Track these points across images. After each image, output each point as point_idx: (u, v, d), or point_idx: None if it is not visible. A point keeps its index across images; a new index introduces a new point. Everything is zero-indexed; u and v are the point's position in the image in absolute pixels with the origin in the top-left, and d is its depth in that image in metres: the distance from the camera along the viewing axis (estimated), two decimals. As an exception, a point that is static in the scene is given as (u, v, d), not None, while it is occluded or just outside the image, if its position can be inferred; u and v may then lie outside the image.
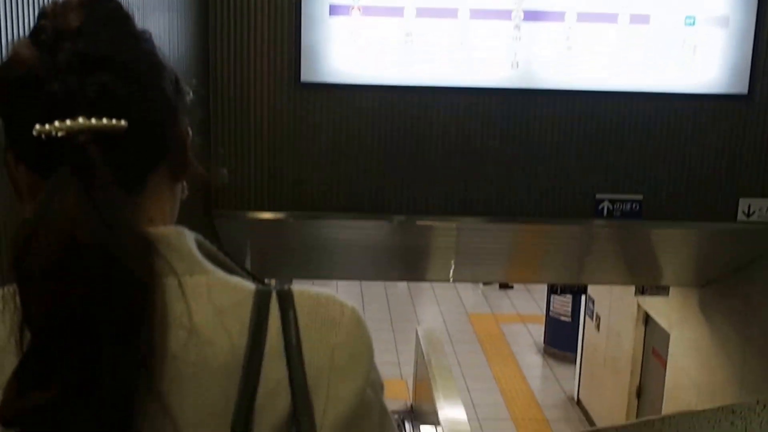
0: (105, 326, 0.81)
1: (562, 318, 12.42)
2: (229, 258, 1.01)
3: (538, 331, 13.28)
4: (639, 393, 9.39)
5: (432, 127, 5.30)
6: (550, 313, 12.61)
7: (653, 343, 8.99)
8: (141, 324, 0.83)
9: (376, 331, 13.65)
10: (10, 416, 0.81)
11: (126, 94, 0.87)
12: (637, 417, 9.41)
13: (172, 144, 0.95)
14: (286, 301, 0.93)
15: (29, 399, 0.80)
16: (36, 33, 0.88)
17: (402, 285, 15.66)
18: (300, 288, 0.96)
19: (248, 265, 6.31)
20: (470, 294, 15.35)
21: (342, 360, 0.92)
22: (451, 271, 7.12)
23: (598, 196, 5.48)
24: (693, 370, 7.69)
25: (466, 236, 6.09)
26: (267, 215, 5.44)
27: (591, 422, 10.71)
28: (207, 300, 0.91)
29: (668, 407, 8.28)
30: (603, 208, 5.49)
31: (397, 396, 10.78)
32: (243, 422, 0.88)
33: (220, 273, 0.95)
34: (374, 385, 0.97)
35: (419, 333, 10.46)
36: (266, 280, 1.02)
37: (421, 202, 5.47)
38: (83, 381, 0.81)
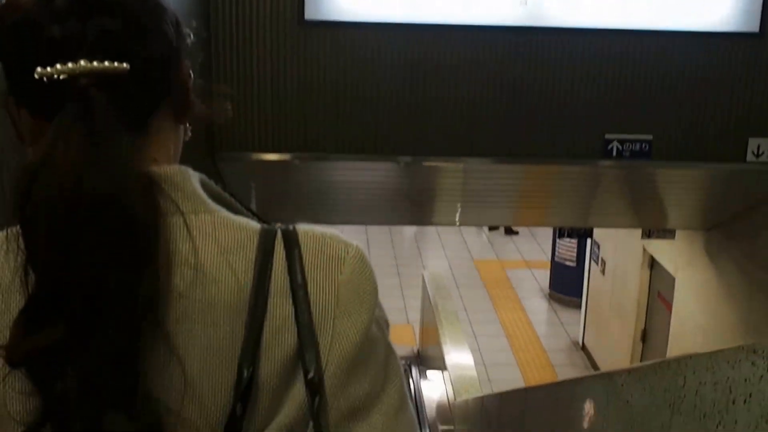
0: (110, 267, 0.81)
1: (568, 263, 12.44)
2: (234, 198, 1.01)
3: (544, 276, 13.31)
4: (644, 337, 9.44)
5: (439, 66, 5.22)
6: (556, 258, 12.62)
7: (659, 287, 9.01)
8: (146, 264, 0.84)
9: (382, 276, 13.55)
10: (17, 357, 0.82)
11: (127, 36, 0.87)
12: (641, 361, 9.48)
13: (174, 85, 0.96)
14: (291, 239, 0.94)
15: (36, 339, 0.81)
16: None
17: (408, 231, 15.68)
18: (305, 227, 0.96)
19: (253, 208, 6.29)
20: (476, 240, 15.37)
21: (347, 297, 0.93)
22: (458, 214, 7.10)
23: (608, 136, 5.43)
24: (698, 314, 7.71)
25: (473, 178, 6.06)
26: (271, 157, 5.39)
27: (595, 367, 10.79)
28: (212, 239, 0.91)
29: (673, 351, 8.33)
30: (612, 149, 5.43)
31: (403, 341, 10.86)
32: (250, 360, 0.89)
33: (225, 213, 0.95)
34: (379, 322, 0.98)
35: (426, 277, 10.50)
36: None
37: (428, 143, 5.42)
38: (89, 321, 0.81)
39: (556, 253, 12.58)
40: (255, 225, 0.95)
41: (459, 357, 8.41)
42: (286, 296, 0.91)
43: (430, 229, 15.61)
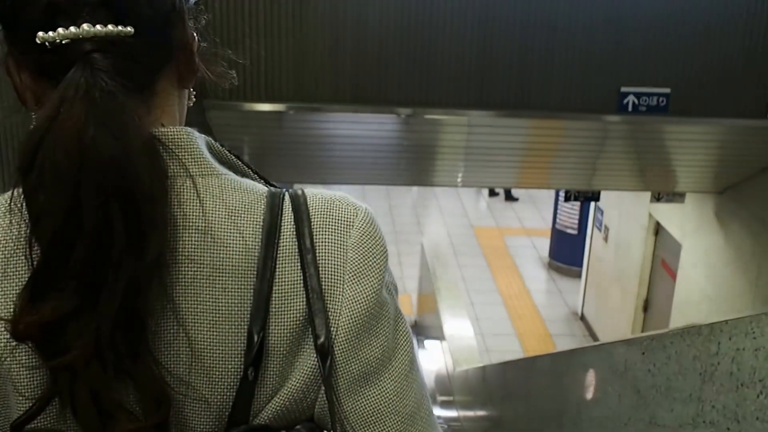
0: (116, 231, 0.80)
1: (569, 231, 12.17)
2: (239, 160, 1.00)
3: (543, 244, 13.07)
4: (646, 307, 9.21)
5: (445, 13, 4.91)
6: (557, 225, 12.35)
7: (663, 254, 8.76)
8: (152, 226, 0.82)
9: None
10: (24, 330, 0.80)
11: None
12: (642, 331, 9.27)
13: (178, 48, 0.94)
14: (299, 202, 0.93)
15: (42, 311, 0.80)
16: None
17: (405, 197, 15.43)
18: (312, 190, 0.95)
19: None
20: (475, 206, 15.11)
21: (356, 261, 0.92)
22: (460, 174, 6.80)
23: (623, 89, 5.14)
24: (705, 282, 7.47)
25: (477, 133, 5.76)
26: (264, 107, 5.09)
27: (594, 337, 10.59)
28: (221, 202, 0.90)
29: (676, 321, 8.10)
30: (628, 103, 5.15)
31: (399, 309, 10.61)
32: (260, 325, 0.88)
33: (232, 175, 0.94)
34: (389, 286, 0.96)
35: (424, 245, 10.25)
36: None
37: (432, 95, 5.13)
38: (96, 287, 0.80)
39: (557, 220, 12.31)
40: (262, 188, 0.95)
41: (458, 327, 8.19)
42: (294, 260, 0.90)
43: (429, 196, 15.36)
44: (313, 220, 0.92)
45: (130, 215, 0.80)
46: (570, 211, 12.08)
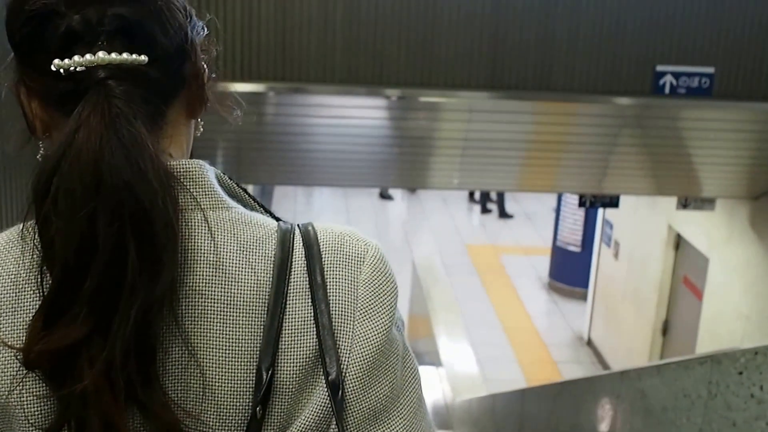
0: (129, 260, 0.81)
1: (571, 248, 11.53)
2: (246, 193, 1.01)
3: (542, 263, 12.44)
4: (665, 329, 8.60)
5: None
6: (557, 242, 11.70)
7: (685, 270, 8.14)
8: (164, 257, 0.84)
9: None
10: (35, 358, 0.82)
11: (145, 27, 0.87)
12: (661, 357, 8.65)
13: (189, 78, 0.95)
14: (310, 238, 0.94)
15: (53, 339, 0.81)
16: None
17: (393, 212, 14.80)
18: (322, 224, 0.97)
19: (219, 164, 5.36)
20: (467, 223, 14.47)
21: (367, 298, 0.93)
22: (457, 174, 6.13)
23: (659, 68, 4.53)
24: (739, 299, 6.84)
25: (484, 121, 5.10)
26: (241, 87, 4.45)
27: (604, 364, 9.93)
28: (232, 236, 0.92)
29: (706, 343, 7.47)
30: (664, 84, 4.55)
31: (387, 333, 9.92)
32: (269, 361, 0.90)
33: (242, 209, 0.96)
34: (397, 322, 0.97)
35: (415, 261, 9.61)
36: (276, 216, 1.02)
37: (435, 75, 4.50)
38: (109, 315, 0.81)
39: (558, 237, 11.67)
40: (272, 222, 0.96)
41: (457, 351, 7.54)
42: (305, 296, 0.91)
43: (418, 212, 14.68)
44: (324, 256, 0.93)
45: (144, 241, 0.82)
46: (572, 227, 11.48)
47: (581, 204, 6.47)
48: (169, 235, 0.84)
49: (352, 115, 4.97)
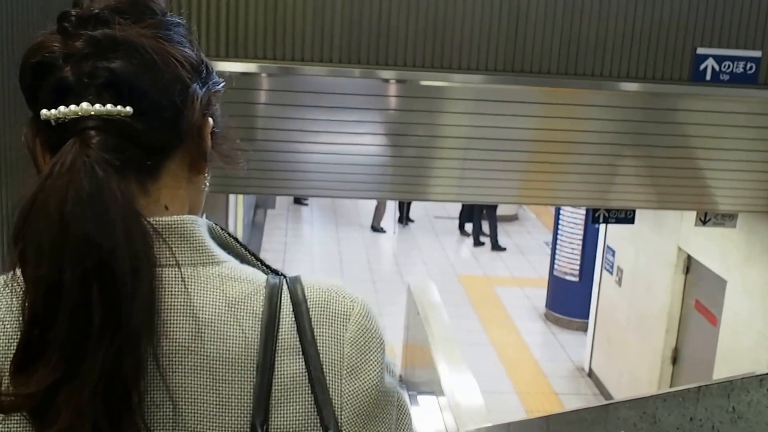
0: (95, 308, 0.79)
1: (568, 278, 10.75)
2: (238, 242, 0.99)
3: (537, 294, 11.65)
4: (675, 357, 7.81)
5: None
6: (555, 272, 10.93)
7: (696, 294, 7.38)
8: (131, 310, 0.81)
9: (356, 292, 12.07)
10: (10, 402, 0.81)
11: (135, 80, 0.85)
12: (671, 386, 7.84)
13: (187, 132, 0.91)
14: (297, 294, 0.92)
15: (28, 382, 0.80)
16: (62, 19, 0.86)
17: (385, 245, 14.03)
18: (310, 279, 0.95)
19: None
20: (459, 255, 13.70)
21: (353, 356, 0.92)
22: (455, 181, 5.34)
23: (700, 50, 3.83)
24: (763, 323, 6.10)
25: (489, 112, 4.37)
26: (231, 66, 3.70)
27: (607, 395, 9.09)
28: (220, 292, 0.90)
29: (722, 372, 6.69)
30: (705, 69, 3.84)
31: (381, 364, 9.05)
32: (263, 416, 0.88)
33: (233, 263, 0.94)
34: (389, 367, 0.96)
35: (412, 287, 8.79)
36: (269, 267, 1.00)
37: (446, 55, 3.77)
38: (80, 359, 0.79)
39: (555, 266, 10.90)
40: (261, 277, 0.94)
41: (460, 379, 6.72)
42: (293, 353, 0.90)
43: (410, 245, 13.91)
44: (312, 313, 0.91)
45: (108, 291, 0.79)
46: (570, 255, 10.71)
47: (594, 220, 5.71)
48: (136, 287, 0.81)
49: (349, 102, 4.21)
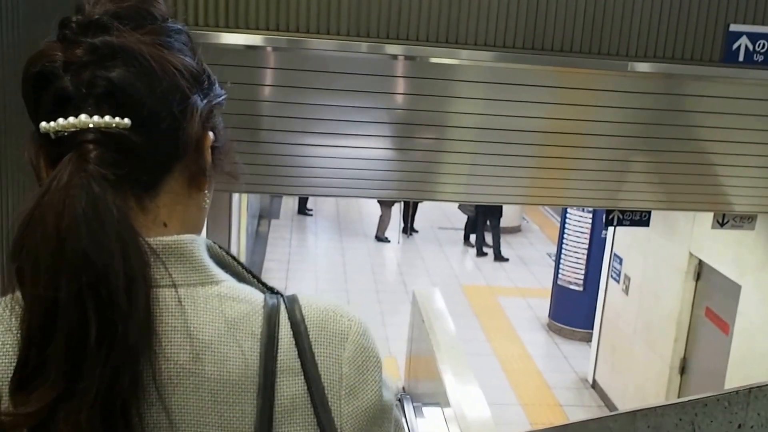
0: (91, 328, 0.77)
1: (572, 287, 10.36)
2: (237, 262, 0.97)
3: (540, 305, 11.27)
4: (683, 367, 7.40)
5: None
6: (558, 281, 10.54)
7: (707, 301, 7.00)
8: (126, 329, 0.78)
9: (360, 303, 11.77)
10: (10, 421, 0.79)
11: (134, 91, 0.81)
12: (679, 397, 7.43)
13: (187, 146, 0.87)
14: (295, 314, 0.90)
15: (27, 401, 0.78)
16: (62, 26, 0.84)
17: (389, 255, 13.64)
18: (308, 299, 0.93)
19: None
20: (462, 266, 13.32)
21: (351, 376, 0.91)
22: (464, 179, 4.96)
23: (733, 27, 3.48)
24: (780, 330, 5.72)
25: (501, 98, 4.01)
26: (232, 38, 3.35)
27: (611, 407, 8.68)
28: (219, 312, 0.87)
29: (733, 382, 6.29)
30: (738, 48, 3.49)
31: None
32: None
33: (232, 282, 0.91)
34: (386, 383, 0.95)
35: (417, 295, 8.40)
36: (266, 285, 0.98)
37: (461, 30, 3.42)
38: (78, 376, 0.77)
39: (560, 275, 10.51)
40: (259, 296, 0.91)
41: (467, 390, 6.32)
42: (293, 373, 0.88)
43: (414, 255, 13.52)
44: (310, 333, 0.89)
45: (103, 309, 0.77)
46: (574, 265, 10.33)
47: (608, 223, 5.33)
48: (132, 304, 0.78)
49: (356, 84, 3.85)
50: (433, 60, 3.68)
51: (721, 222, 5.38)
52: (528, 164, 4.82)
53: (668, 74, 3.69)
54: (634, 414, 3.06)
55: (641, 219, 5.31)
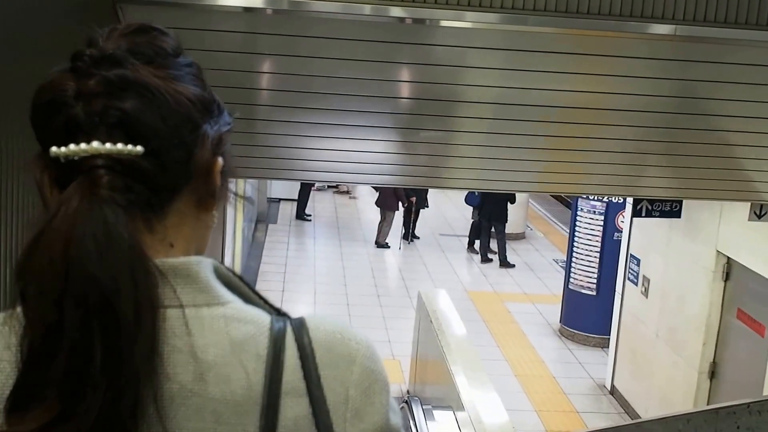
0: (95, 351, 0.76)
1: (585, 291, 9.88)
2: (243, 282, 0.95)
3: (550, 311, 10.80)
4: (713, 372, 6.93)
5: None
6: (570, 285, 10.06)
7: (738, 302, 6.54)
8: (132, 352, 0.77)
9: (362, 306, 11.31)
10: None
11: (146, 120, 0.82)
12: (709, 403, 6.96)
13: (196, 171, 0.88)
14: (302, 337, 0.89)
15: (24, 421, 0.77)
16: (75, 59, 0.84)
17: (390, 259, 13.18)
18: (315, 321, 0.91)
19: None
20: (467, 272, 12.85)
21: (357, 399, 0.89)
22: (477, 162, 4.51)
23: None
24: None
25: (516, 68, 3.57)
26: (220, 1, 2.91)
27: (633, 414, 8.19)
28: (224, 333, 0.86)
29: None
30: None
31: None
32: None
33: (238, 303, 0.90)
34: (393, 406, 0.93)
35: (423, 296, 7.95)
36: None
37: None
38: (78, 398, 0.76)
39: (571, 279, 10.04)
40: (265, 318, 0.90)
41: (481, 391, 5.86)
42: (298, 395, 0.86)
43: (416, 261, 13.05)
44: (317, 355, 0.88)
45: (110, 332, 0.76)
46: (587, 268, 9.88)
47: (636, 213, 4.88)
48: (138, 328, 0.77)
49: (361, 52, 3.41)
50: (444, 23, 3.26)
51: (758, 213, 4.93)
52: (545, 145, 4.37)
53: (718, 38, 3.27)
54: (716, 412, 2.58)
55: (672, 210, 4.88)
